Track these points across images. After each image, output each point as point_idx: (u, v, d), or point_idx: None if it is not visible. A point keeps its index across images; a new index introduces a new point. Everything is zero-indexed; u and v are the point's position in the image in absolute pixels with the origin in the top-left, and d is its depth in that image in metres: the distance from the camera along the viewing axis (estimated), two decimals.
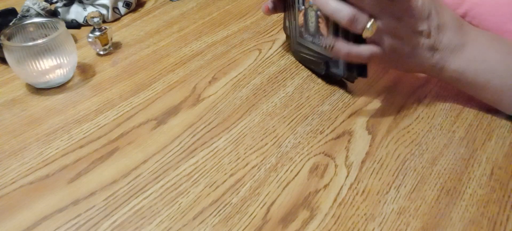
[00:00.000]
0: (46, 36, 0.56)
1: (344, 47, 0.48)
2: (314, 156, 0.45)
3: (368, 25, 0.45)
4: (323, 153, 0.46)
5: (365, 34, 0.46)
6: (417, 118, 0.50)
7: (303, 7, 0.53)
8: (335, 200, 0.40)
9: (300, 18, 0.55)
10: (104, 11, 0.71)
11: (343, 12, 0.45)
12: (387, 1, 0.45)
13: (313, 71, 0.58)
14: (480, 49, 0.47)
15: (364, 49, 0.48)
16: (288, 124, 0.49)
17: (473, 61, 0.47)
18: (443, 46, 0.47)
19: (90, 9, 0.70)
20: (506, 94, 0.47)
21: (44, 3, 0.66)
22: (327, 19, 0.50)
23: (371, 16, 0.45)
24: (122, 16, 0.73)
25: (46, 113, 0.52)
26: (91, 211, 0.40)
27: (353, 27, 0.46)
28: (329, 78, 0.56)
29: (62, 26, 0.55)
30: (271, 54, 0.62)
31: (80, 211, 0.40)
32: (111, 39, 0.64)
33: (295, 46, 0.59)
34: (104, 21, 0.72)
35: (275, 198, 0.41)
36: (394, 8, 0.45)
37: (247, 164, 0.44)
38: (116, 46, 0.65)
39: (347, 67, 0.51)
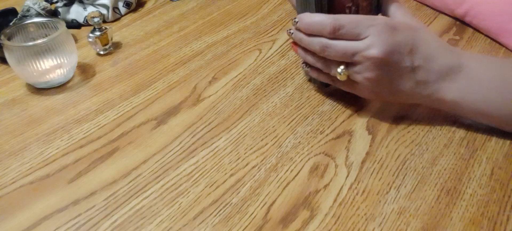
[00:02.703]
0: (46, 36, 0.56)
1: (323, 78, 0.50)
2: (314, 156, 0.45)
3: (339, 70, 0.45)
4: (323, 153, 0.46)
5: (340, 78, 0.46)
6: (417, 118, 0.50)
7: None
8: (335, 200, 0.40)
9: None
10: (104, 11, 0.71)
11: (311, 59, 0.48)
12: (355, 51, 0.43)
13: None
14: (474, 74, 0.44)
15: (344, 86, 0.49)
16: (288, 124, 0.49)
17: (468, 89, 0.44)
18: (435, 77, 0.44)
19: (90, 9, 0.70)
20: (504, 118, 0.45)
21: (44, 3, 0.66)
22: None
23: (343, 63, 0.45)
24: (122, 16, 0.73)
25: (46, 113, 0.52)
26: (91, 211, 0.40)
27: (326, 72, 0.48)
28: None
29: (62, 26, 0.55)
30: (271, 54, 0.62)
31: (80, 211, 0.40)
32: (111, 39, 0.64)
33: None
34: (104, 21, 0.72)
35: (275, 198, 0.41)
36: (366, 53, 0.43)
37: (247, 164, 0.44)
38: (116, 46, 0.65)
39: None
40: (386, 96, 0.47)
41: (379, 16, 0.47)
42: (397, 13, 0.48)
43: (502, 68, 0.46)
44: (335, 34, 0.44)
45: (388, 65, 0.43)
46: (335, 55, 0.45)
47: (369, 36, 0.43)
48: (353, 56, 0.44)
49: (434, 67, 0.44)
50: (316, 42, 0.46)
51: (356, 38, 0.43)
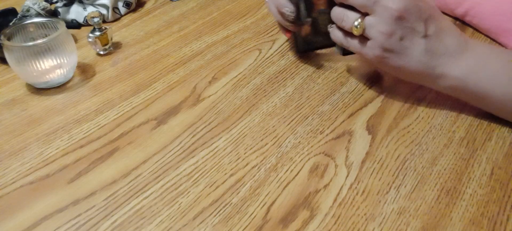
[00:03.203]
0: (46, 36, 0.56)
1: (338, 36, 0.50)
2: (314, 156, 0.45)
3: (356, 23, 0.46)
4: (323, 153, 0.46)
5: (355, 32, 0.47)
6: (417, 118, 0.50)
7: (309, 19, 0.55)
8: (335, 200, 0.40)
9: (305, 29, 0.57)
10: (104, 11, 0.71)
11: (333, 12, 0.49)
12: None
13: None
14: (481, 55, 0.46)
15: (354, 43, 0.49)
16: (288, 124, 0.49)
17: (474, 68, 0.45)
18: (443, 50, 0.46)
19: (90, 9, 0.70)
20: (509, 104, 0.46)
21: (44, 3, 0.66)
22: None
23: (363, 13, 0.46)
24: (122, 16, 0.73)
25: (46, 113, 0.52)
26: (91, 211, 0.40)
27: (342, 26, 0.48)
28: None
29: (62, 26, 0.55)
30: (271, 54, 0.62)
31: (80, 211, 0.40)
32: (111, 39, 0.64)
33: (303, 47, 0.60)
34: (104, 21, 0.72)
35: (275, 198, 0.41)
36: (388, 4, 0.44)
37: (247, 164, 0.44)
38: (116, 46, 0.65)
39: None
40: (393, 62, 0.47)
41: None
42: None
43: (508, 55, 0.47)
44: None
45: (403, 23, 0.44)
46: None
47: None
48: (374, 4, 0.45)
49: (445, 41, 0.46)
50: None
51: None
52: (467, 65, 0.45)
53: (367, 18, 0.46)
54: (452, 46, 0.46)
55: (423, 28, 0.45)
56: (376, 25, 0.45)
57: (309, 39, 0.57)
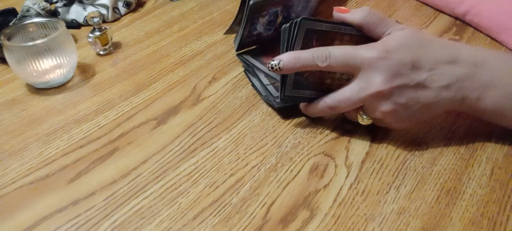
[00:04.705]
0: (46, 36, 0.56)
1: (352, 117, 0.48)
2: (314, 156, 0.45)
3: (360, 121, 0.46)
4: (323, 153, 0.46)
5: (367, 124, 0.46)
6: None
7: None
8: (335, 200, 0.40)
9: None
10: (104, 11, 0.71)
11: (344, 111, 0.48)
12: (359, 99, 0.43)
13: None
14: (493, 72, 0.43)
15: (378, 124, 0.47)
16: (288, 124, 0.49)
17: (486, 88, 0.43)
18: (452, 77, 0.43)
19: (90, 9, 0.70)
20: None
21: (44, 3, 0.66)
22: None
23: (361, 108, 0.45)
24: (122, 16, 0.73)
25: (46, 113, 0.52)
26: (91, 211, 0.40)
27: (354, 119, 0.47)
28: None
29: (62, 26, 0.55)
30: None
31: (80, 211, 0.40)
32: (111, 39, 0.64)
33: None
34: (104, 21, 0.72)
35: (275, 198, 0.41)
36: (370, 87, 0.43)
37: (247, 164, 0.44)
38: (116, 46, 0.65)
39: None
40: (416, 119, 0.45)
41: (363, 50, 0.44)
42: (391, 31, 0.45)
43: None
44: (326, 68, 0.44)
45: (395, 92, 0.42)
46: (347, 109, 0.46)
47: (361, 73, 0.43)
48: (363, 100, 0.44)
49: (447, 71, 0.43)
50: (323, 109, 0.47)
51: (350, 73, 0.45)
52: (479, 85, 0.43)
53: (366, 111, 0.45)
54: (456, 73, 0.43)
55: (417, 77, 0.42)
56: (377, 112, 0.44)
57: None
